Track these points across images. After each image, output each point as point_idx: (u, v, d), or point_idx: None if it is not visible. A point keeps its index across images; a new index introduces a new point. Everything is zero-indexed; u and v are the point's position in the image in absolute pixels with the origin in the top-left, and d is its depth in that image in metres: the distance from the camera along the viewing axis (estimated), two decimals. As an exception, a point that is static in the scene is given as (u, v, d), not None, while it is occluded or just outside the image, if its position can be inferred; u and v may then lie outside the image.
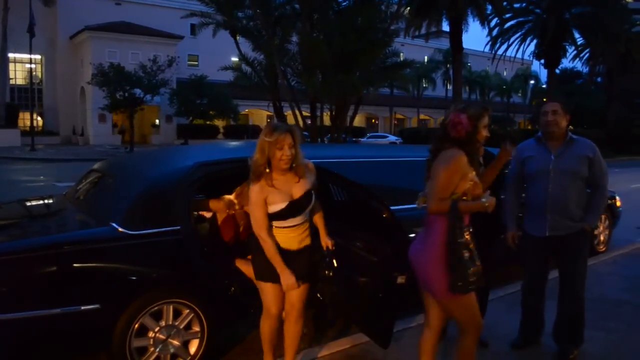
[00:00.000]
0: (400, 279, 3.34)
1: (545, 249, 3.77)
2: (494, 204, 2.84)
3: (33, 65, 36.36)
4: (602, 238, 7.26)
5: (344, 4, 20.78)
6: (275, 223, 3.12)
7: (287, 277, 3.09)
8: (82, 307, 3.17)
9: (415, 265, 2.92)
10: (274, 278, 3.13)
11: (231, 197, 4.33)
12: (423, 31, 30.70)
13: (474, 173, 2.80)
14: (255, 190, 3.05)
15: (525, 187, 3.87)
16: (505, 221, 3.90)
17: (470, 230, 2.81)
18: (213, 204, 4.28)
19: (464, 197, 2.77)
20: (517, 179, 3.90)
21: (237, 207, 4.30)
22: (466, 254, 2.71)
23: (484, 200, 2.81)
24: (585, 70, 52.08)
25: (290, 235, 3.15)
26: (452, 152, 2.77)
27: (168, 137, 42.57)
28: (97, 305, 3.21)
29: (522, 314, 4.01)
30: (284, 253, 3.11)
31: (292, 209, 3.09)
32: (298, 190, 3.10)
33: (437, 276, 2.75)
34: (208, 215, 4.37)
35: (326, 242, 3.28)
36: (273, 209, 3.06)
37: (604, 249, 7.24)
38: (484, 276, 3.99)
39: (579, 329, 3.76)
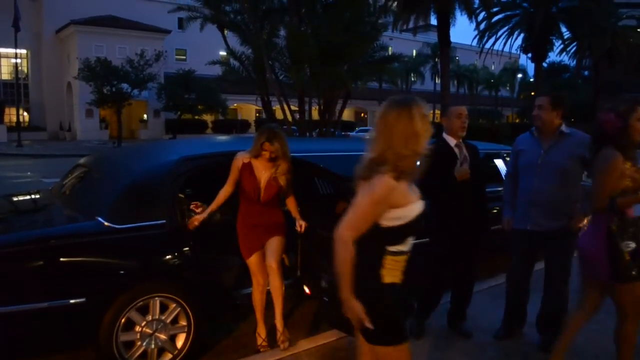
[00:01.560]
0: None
1: (530, 243, 3.79)
2: None
3: (19, 60, 36.02)
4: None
5: (332, -3, 20.72)
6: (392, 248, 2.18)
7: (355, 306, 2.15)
8: (69, 301, 3.18)
9: (585, 254, 3.13)
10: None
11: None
12: (411, 25, 30.71)
13: (633, 168, 2.96)
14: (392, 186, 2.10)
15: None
16: (503, 208, 4.06)
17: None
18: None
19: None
20: (514, 171, 3.96)
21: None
22: (632, 245, 2.90)
23: None
24: (573, 63, 52.43)
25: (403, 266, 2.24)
26: (607, 153, 2.95)
27: (156, 132, 42.37)
28: (83, 299, 3.22)
29: (506, 305, 4.06)
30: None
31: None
32: None
33: (606, 265, 2.96)
34: (198, 210, 4.36)
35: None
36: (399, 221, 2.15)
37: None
38: (473, 269, 4.13)
39: (562, 320, 3.81)
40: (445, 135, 3.96)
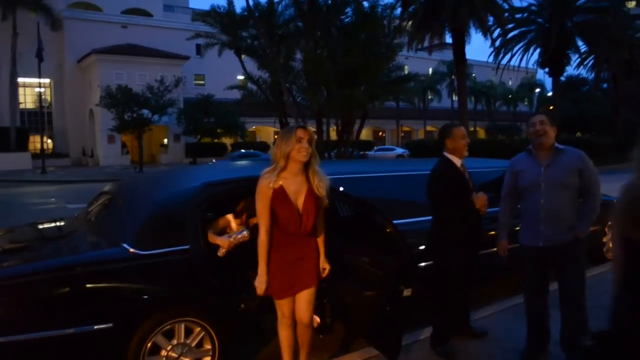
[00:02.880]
0: (407, 292, 3.40)
1: (541, 260, 3.80)
2: None
3: (42, 89, 36.88)
4: (610, 245, 7.26)
5: (347, 20, 21.00)
6: None
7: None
8: (96, 327, 3.25)
9: None
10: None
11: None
12: (426, 44, 30.86)
13: None
14: None
15: (518, 199, 3.95)
16: (498, 232, 4.03)
17: None
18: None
19: None
20: (511, 192, 3.97)
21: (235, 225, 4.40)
22: None
23: None
24: (591, 76, 52.03)
25: None
26: None
27: (176, 156, 42.89)
28: (110, 325, 3.28)
29: (528, 324, 4.03)
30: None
31: None
32: None
33: None
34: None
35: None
36: None
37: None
38: (467, 282, 4.18)
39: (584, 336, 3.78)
40: (449, 156, 3.99)
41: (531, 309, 3.96)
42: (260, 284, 3.26)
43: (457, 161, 3.96)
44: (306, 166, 3.23)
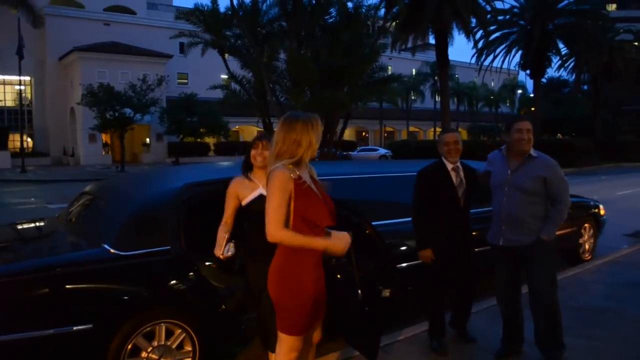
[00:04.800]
0: (386, 293, 3.44)
1: (508, 259, 3.93)
2: None
3: (22, 87, 36.38)
4: (587, 246, 7.38)
5: (331, 20, 21.04)
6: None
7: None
8: (76, 328, 3.24)
9: None
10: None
11: None
12: (409, 44, 31.06)
13: None
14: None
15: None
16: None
17: None
18: None
19: None
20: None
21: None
22: None
23: None
24: (572, 78, 52.76)
25: None
26: None
27: (159, 156, 42.60)
28: (90, 326, 3.28)
29: (503, 323, 4.12)
30: None
31: None
32: None
33: None
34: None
35: None
36: None
37: (589, 257, 7.36)
38: (468, 283, 4.27)
39: (558, 335, 3.86)
40: (443, 159, 4.17)
41: (501, 307, 4.07)
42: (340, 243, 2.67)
43: (449, 164, 4.13)
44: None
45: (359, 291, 3.19)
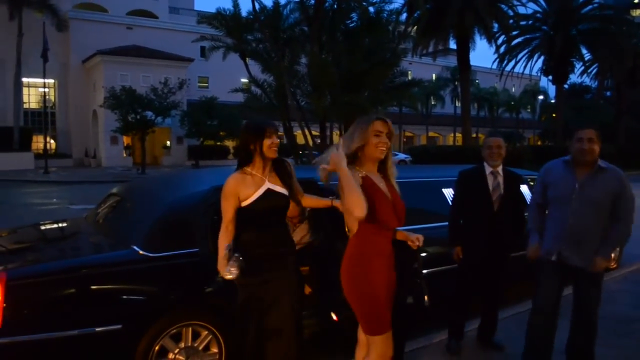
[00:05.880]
0: (409, 299, 3.41)
1: (555, 274, 3.65)
2: None
3: (46, 90, 36.95)
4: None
5: (352, 25, 21.03)
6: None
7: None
8: (104, 329, 3.28)
9: None
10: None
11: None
12: (430, 49, 30.93)
13: None
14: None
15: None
16: (530, 236, 3.85)
17: None
18: None
19: None
20: (542, 201, 3.78)
21: None
22: None
23: None
24: (594, 85, 52.09)
25: None
26: None
27: (179, 158, 42.94)
28: (118, 327, 3.31)
29: (527, 334, 3.85)
30: None
31: None
32: None
33: None
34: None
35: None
36: None
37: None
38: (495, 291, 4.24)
39: (592, 350, 3.73)
40: (485, 162, 4.24)
41: (537, 319, 3.79)
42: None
43: (488, 168, 4.19)
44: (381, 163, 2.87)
45: (425, 297, 3.14)
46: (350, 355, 3.12)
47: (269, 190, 3.01)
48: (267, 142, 2.99)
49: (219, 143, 40.35)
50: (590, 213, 3.46)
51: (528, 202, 4.17)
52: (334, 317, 3.57)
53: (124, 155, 41.83)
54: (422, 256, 4.81)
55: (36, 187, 22.80)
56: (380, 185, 2.76)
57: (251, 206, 2.97)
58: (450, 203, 4.48)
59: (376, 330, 2.76)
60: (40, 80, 34.38)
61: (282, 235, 3.14)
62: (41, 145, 35.00)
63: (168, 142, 44.10)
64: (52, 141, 42.81)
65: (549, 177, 3.71)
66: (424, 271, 4.62)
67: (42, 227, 5.07)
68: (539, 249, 3.77)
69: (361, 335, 2.95)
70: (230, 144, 43.07)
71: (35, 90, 42.37)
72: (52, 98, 43.35)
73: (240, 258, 2.96)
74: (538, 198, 3.81)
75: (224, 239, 2.99)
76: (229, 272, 2.93)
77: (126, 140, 41.24)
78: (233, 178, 3.01)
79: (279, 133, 3.27)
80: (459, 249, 4.17)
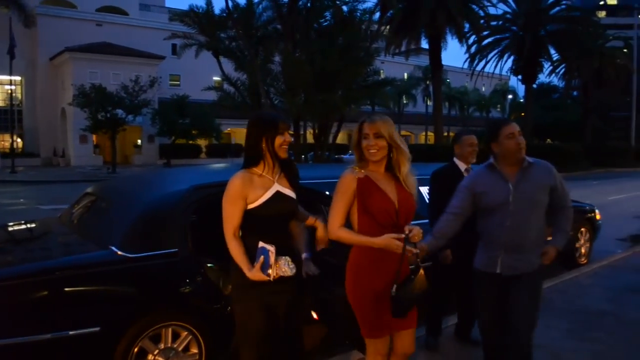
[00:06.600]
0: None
1: (499, 287, 3.27)
2: None
3: (13, 87, 36.08)
4: (583, 250, 7.46)
5: (325, 24, 21.10)
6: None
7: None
8: (83, 331, 3.21)
9: None
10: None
11: None
12: (403, 48, 31.18)
13: None
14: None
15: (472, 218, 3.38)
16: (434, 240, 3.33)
17: None
18: None
19: None
20: (461, 212, 3.26)
21: None
22: None
23: None
24: (562, 84, 53.22)
25: None
26: None
27: (150, 157, 42.38)
28: (97, 329, 3.25)
29: (484, 352, 3.56)
30: None
31: None
32: None
33: None
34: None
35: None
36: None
37: (585, 261, 7.43)
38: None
39: None
40: (456, 160, 4.27)
41: (488, 340, 3.47)
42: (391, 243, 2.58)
43: (462, 166, 4.23)
44: (390, 162, 2.73)
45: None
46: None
47: (278, 193, 2.71)
48: (279, 140, 2.68)
49: (190, 142, 39.98)
50: (528, 213, 3.14)
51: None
52: (314, 315, 3.57)
53: (94, 154, 41.10)
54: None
55: (3, 187, 22.25)
56: (381, 185, 2.66)
57: (258, 209, 2.66)
58: (426, 201, 4.50)
59: (367, 334, 2.73)
60: (6, 78, 33.64)
61: (286, 243, 2.79)
62: (7, 145, 34.21)
63: (139, 141, 43.50)
64: (19, 140, 41.83)
65: (478, 187, 3.24)
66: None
67: (13, 228, 4.95)
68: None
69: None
70: (202, 142, 42.72)
71: (2, 88, 41.36)
72: (19, 96, 42.36)
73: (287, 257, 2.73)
74: (456, 208, 3.27)
75: (238, 250, 2.68)
76: (289, 270, 2.70)
77: (96, 139, 40.54)
78: (239, 178, 2.69)
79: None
80: (449, 252, 4.01)
